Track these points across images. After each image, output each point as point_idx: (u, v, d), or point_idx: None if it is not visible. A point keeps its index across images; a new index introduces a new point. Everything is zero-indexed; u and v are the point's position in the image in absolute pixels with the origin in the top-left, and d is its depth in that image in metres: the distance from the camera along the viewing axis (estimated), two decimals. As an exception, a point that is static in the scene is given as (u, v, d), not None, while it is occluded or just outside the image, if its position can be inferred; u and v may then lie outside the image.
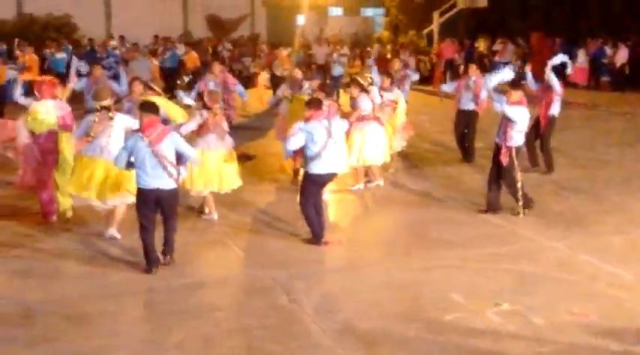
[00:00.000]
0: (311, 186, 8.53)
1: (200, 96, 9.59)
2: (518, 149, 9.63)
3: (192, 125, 9.03)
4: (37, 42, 23.41)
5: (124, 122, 8.67)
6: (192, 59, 22.37)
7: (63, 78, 12.22)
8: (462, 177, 11.95)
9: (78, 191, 8.60)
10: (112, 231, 8.59)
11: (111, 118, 8.58)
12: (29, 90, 9.99)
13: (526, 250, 8.41)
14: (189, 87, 20.52)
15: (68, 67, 20.19)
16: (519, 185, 9.50)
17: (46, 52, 21.99)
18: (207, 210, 9.50)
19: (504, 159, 9.42)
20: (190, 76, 21.16)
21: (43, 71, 19.57)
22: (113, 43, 24.66)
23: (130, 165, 7.59)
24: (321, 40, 25.57)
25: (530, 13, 27.62)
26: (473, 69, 13.12)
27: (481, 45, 25.94)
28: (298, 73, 12.27)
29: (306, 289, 7.22)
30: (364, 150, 10.75)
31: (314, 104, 8.61)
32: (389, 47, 27.01)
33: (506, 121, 9.39)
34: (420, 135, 14.30)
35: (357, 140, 10.70)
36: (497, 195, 9.72)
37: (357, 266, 7.95)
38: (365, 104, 10.77)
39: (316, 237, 8.51)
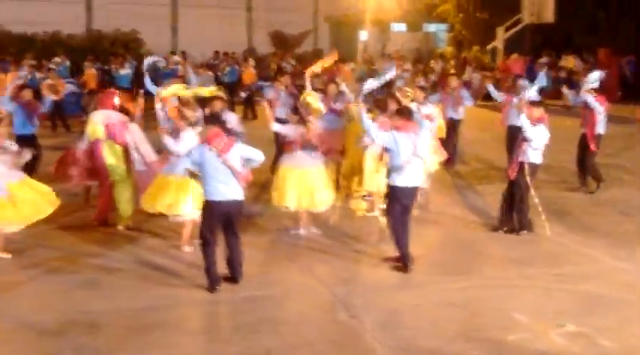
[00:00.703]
0: (396, 203, 8.20)
1: (296, 110, 9.42)
2: (533, 167, 9.37)
3: (290, 133, 9.17)
4: (105, 57, 24.12)
5: (193, 140, 8.53)
6: (249, 75, 22.59)
7: (128, 93, 12.54)
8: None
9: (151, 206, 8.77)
10: (187, 248, 8.66)
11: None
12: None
13: (591, 270, 8.25)
14: (246, 102, 20.95)
15: (133, 82, 20.82)
16: (525, 206, 9.33)
17: (112, 68, 22.59)
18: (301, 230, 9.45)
19: (512, 173, 9.30)
20: (248, 92, 21.38)
21: (104, 86, 20.11)
22: (176, 58, 25.14)
23: (192, 174, 7.73)
24: (384, 56, 25.59)
25: (598, 29, 27.15)
26: (517, 84, 12.91)
27: (570, 62, 25.28)
28: (334, 88, 12.16)
29: (366, 305, 7.20)
30: None
31: (405, 114, 8.25)
32: (452, 63, 26.85)
33: (522, 136, 9.24)
34: (476, 152, 14.17)
35: None
36: (509, 213, 9.55)
37: (417, 284, 7.88)
38: None
39: (404, 258, 8.18)
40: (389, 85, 12.20)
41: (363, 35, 31.78)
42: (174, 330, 6.64)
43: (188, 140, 8.40)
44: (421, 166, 8.29)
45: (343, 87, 11.93)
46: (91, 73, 21.07)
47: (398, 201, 8.19)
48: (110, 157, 9.52)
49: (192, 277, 7.87)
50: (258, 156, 7.69)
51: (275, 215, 9.88)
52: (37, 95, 13.99)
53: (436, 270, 8.35)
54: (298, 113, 9.34)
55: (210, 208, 7.46)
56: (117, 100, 9.93)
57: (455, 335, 6.49)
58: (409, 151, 8.00)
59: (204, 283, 7.55)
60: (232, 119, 9.44)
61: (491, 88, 13.57)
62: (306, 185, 9.12)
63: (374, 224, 9.82)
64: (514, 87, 12.99)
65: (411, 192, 8.25)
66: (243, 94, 21.47)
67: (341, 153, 11.85)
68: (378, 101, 10.23)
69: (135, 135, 9.55)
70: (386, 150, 8.32)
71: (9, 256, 8.39)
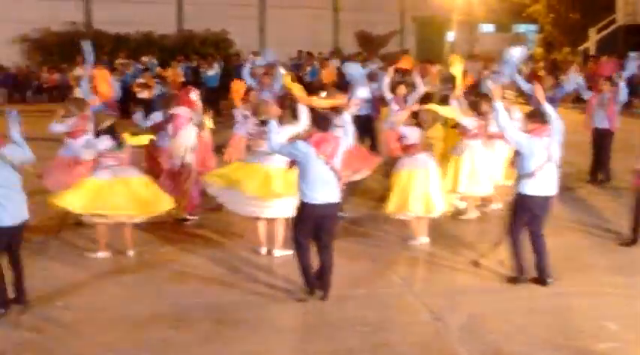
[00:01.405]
0: (521, 212, 7.60)
1: (415, 114, 9.16)
2: None
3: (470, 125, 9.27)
4: (196, 56, 24.65)
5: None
6: (328, 74, 22.61)
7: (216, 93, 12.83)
8: (601, 202, 11.33)
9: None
10: (278, 252, 8.55)
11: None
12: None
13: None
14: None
15: (222, 82, 21.19)
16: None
17: (200, 68, 23.06)
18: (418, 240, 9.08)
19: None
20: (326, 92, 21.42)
21: (193, 85, 20.54)
22: (258, 58, 25.39)
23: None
24: (472, 57, 25.22)
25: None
26: (607, 86, 12.51)
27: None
28: (403, 89, 12.09)
29: (451, 308, 7.14)
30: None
31: (538, 117, 7.65)
32: (541, 64, 26.30)
33: None
34: (567, 155, 13.74)
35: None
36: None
37: (505, 288, 7.74)
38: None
39: (518, 272, 7.72)
40: (473, 86, 12.02)
41: (450, 36, 31.50)
42: (259, 326, 6.73)
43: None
44: (555, 173, 7.62)
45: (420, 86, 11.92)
46: (175, 72, 21.49)
47: (527, 210, 7.58)
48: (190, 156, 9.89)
49: (280, 275, 7.97)
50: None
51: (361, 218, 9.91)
52: (129, 93, 14.46)
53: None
54: (416, 117, 9.06)
55: (306, 211, 7.15)
56: (194, 97, 10.29)
57: (542, 342, 6.36)
58: (543, 156, 7.43)
59: (292, 282, 7.59)
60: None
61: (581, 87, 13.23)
62: (425, 189, 8.78)
63: (461, 227, 9.73)
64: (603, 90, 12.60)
65: (543, 201, 7.55)
66: (322, 94, 21.54)
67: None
68: (473, 103, 10.06)
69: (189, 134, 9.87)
70: (517, 153, 7.82)
71: (109, 254, 8.60)
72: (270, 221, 8.57)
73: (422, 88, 11.86)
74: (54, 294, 7.43)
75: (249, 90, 10.84)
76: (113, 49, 25.75)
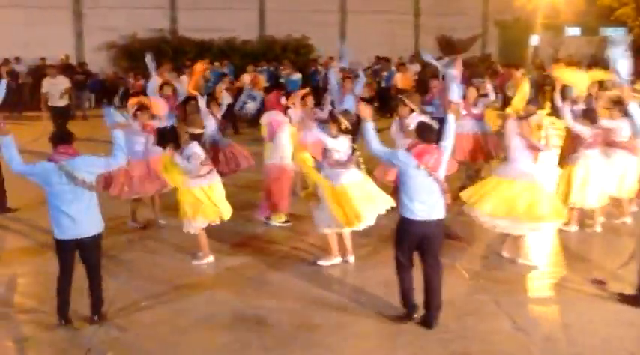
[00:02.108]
0: None
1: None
2: None
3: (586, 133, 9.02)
4: (277, 62, 24.95)
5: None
6: (405, 79, 22.43)
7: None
8: None
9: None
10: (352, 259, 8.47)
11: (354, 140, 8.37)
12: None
13: None
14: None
15: (302, 87, 21.37)
16: None
17: (281, 73, 23.31)
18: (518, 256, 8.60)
19: None
20: (400, 96, 21.32)
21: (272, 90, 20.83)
22: (336, 63, 25.51)
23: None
24: (556, 61, 24.69)
25: None
26: None
27: None
28: (474, 92, 11.93)
29: (534, 318, 6.99)
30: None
31: None
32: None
33: None
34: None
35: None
36: None
37: (590, 299, 7.53)
38: (624, 129, 9.65)
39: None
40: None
41: (534, 39, 30.86)
42: (337, 332, 6.73)
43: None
44: None
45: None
46: (255, 76, 21.74)
47: None
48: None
49: (358, 282, 7.98)
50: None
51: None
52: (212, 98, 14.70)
53: (616, 287, 7.81)
54: None
55: (407, 227, 6.69)
56: (283, 101, 10.49)
57: (629, 355, 6.17)
58: None
59: (370, 290, 7.56)
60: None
61: None
62: (526, 199, 8.23)
63: (557, 238, 9.48)
64: None
65: None
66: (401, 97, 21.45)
67: (485, 159, 11.71)
68: (588, 111, 9.66)
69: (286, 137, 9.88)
70: None
71: (212, 259, 8.64)
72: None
73: (492, 95, 11.79)
74: (138, 295, 7.62)
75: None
76: (196, 54, 26.25)
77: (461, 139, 11.10)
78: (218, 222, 8.56)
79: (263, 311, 7.21)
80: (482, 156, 11.79)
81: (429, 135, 6.75)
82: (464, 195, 8.66)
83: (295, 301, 7.49)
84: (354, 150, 8.29)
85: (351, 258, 8.52)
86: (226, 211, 8.50)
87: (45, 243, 8.78)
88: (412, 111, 9.96)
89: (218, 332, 6.74)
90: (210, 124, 10.90)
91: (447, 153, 6.79)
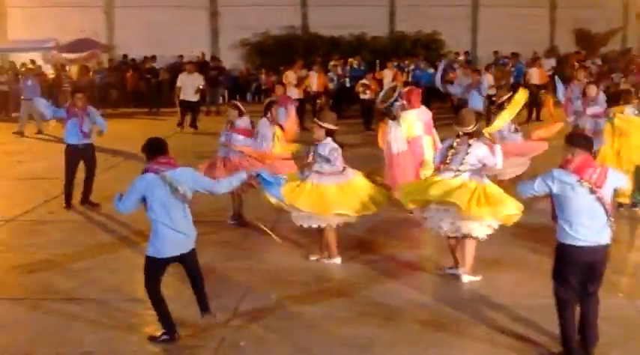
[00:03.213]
0: None
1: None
2: None
3: None
4: (407, 57, 24.89)
5: (480, 152, 7.74)
6: (542, 75, 21.67)
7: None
8: None
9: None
10: (465, 277, 7.84)
11: (469, 145, 7.72)
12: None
13: None
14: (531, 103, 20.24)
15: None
16: None
17: (410, 68, 23.30)
18: None
19: None
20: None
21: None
22: (461, 59, 25.18)
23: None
24: None
25: None
26: None
27: None
28: (594, 90, 11.31)
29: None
30: None
31: None
32: None
33: None
34: None
35: None
36: None
37: None
38: None
39: None
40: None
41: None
42: (465, 330, 6.64)
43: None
44: None
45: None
46: (392, 72, 21.75)
47: None
48: (429, 151, 9.87)
49: (486, 282, 7.83)
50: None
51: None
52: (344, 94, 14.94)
53: None
54: None
55: (570, 255, 5.84)
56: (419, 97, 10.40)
57: None
58: None
59: (494, 289, 7.37)
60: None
61: None
62: None
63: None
64: None
65: None
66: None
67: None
68: None
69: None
70: None
71: (338, 261, 8.55)
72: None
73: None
74: (268, 286, 7.79)
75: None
76: (327, 51, 26.56)
77: None
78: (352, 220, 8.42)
79: (392, 306, 7.20)
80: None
81: (586, 144, 5.98)
82: None
83: (424, 297, 7.43)
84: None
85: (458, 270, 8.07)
86: (356, 209, 8.26)
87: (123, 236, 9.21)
88: None
89: (345, 327, 6.77)
90: None
91: (613, 174, 5.95)
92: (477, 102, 16.04)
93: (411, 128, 10.03)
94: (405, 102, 10.30)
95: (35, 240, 9.70)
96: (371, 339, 6.49)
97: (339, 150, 8.24)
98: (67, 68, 25.74)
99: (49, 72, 25.56)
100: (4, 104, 23.91)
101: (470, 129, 7.74)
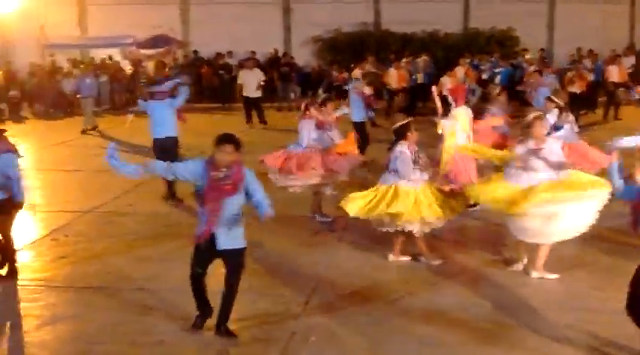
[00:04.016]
0: None
1: None
2: None
3: None
4: (480, 54, 24.61)
5: (555, 150, 7.77)
6: (620, 72, 21.10)
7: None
8: None
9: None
10: (534, 273, 7.81)
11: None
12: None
13: None
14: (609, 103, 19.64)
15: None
16: None
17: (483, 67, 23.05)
18: None
19: None
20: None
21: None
22: (528, 56, 24.72)
23: None
24: None
25: None
26: None
27: None
28: None
29: None
30: None
31: None
32: None
33: None
34: None
35: None
36: None
37: None
38: None
39: None
40: None
41: None
42: (536, 333, 6.52)
43: None
44: None
45: None
46: (464, 68, 21.54)
47: None
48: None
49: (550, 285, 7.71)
50: None
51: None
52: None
53: None
54: None
55: None
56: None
57: None
58: None
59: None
60: None
61: None
62: None
63: None
64: None
65: None
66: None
67: None
68: None
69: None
70: None
71: (439, 261, 8.45)
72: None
73: None
74: (338, 282, 7.84)
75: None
76: (399, 47, 26.44)
77: None
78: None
79: (462, 306, 7.17)
80: None
81: None
82: None
83: (495, 298, 7.35)
84: None
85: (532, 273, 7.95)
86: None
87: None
88: None
89: (415, 324, 6.77)
90: None
91: None
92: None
93: (465, 124, 10.04)
94: (452, 99, 10.38)
95: (113, 231, 9.98)
96: (440, 338, 6.47)
97: (404, 156, 8.09)
98: (144, 64, 26.31)
99: (127, 68, 26.13)
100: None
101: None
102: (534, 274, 7.81)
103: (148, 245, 9.30)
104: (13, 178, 7.74)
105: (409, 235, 8.29)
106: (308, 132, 9.91)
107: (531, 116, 7.98)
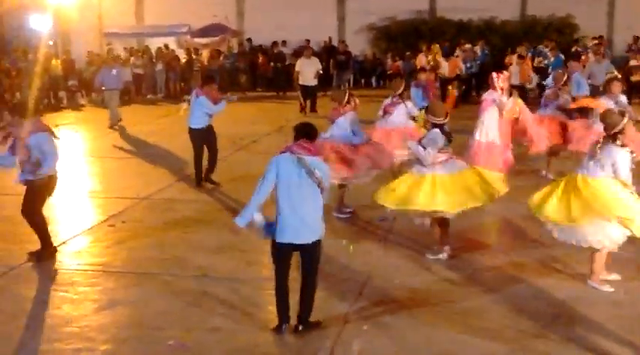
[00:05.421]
0: None
1: None
2: None
3: None
4: (537, 42, 24.14)
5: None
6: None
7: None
8: None
9: None
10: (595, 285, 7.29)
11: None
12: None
13: None
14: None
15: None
16: None
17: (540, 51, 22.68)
18: None
19: None
20: None
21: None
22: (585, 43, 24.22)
23: None
24: None
25: None
26: None
27: None
28: None
29: None
30: None
31: None
32: None
33: None
34: None
35: None
36: None
37: None
38: None
39: None
40: None
41: None
42: (595, 327, 6.41)
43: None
44: None
45: None
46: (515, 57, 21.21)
47: None
48: None
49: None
50: None
51: None
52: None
53: None
54: None
55: None
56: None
57: None
58: None
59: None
60: None
61: None
62: None
63: None
64: None
65: None
66: None
67: None
68: None
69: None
70: None
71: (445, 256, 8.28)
72: None
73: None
74: (391, 272, 7.80)
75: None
76: (454, 35, 26.14)
77: None
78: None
79: (522, 298, 7.08)
80: None
81: None
82: None
83: (556, 290, 7.22)
84: None
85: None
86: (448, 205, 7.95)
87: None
88: None
89: (468, 318, 6.67)
90: None
91: None
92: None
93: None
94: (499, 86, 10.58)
95: (169, 217, 10.08)
96: (497, 331, 6.37)
97: (436, 140, 7.96)
98: (200, 52, 26.53)
99: (182, 56, 26.40)
100: (139, 86, 24.99)
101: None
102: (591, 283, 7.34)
103: (204, 231, 9.37)
104: (48, 154, 8.01)
105: (443, 224, 8.20)
106: (352, 123, 9.75)
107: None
